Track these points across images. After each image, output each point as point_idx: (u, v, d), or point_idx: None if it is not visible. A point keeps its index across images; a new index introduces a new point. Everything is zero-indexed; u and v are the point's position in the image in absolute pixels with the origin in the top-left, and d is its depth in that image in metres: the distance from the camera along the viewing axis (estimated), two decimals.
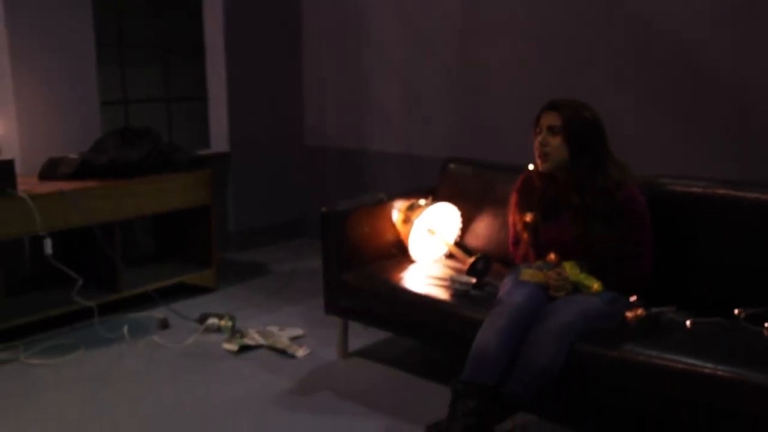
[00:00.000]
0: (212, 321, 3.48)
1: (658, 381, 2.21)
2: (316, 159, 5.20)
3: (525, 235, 2.68)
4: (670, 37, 3.42)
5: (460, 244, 3.23)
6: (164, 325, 3.53)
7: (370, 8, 4.68)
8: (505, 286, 2.60)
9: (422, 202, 3.24)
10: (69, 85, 3.89)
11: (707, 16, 3.29)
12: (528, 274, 2.56)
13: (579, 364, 2.34)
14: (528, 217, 2.66)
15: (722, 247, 2.60)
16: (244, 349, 3.26)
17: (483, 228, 3.23)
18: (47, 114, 3.82)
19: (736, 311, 2.48)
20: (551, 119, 2.52)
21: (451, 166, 3.45)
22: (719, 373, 2.12)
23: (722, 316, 2.46)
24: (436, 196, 3.34)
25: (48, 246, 3.26)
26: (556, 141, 2.51)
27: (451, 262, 3.16)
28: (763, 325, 2.37)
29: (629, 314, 2.46)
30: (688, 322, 2.44)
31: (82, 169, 3.57)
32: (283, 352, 3.23)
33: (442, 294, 2.79)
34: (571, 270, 2.51)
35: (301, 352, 3.22)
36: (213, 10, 4.69)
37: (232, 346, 3.27)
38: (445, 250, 3.24)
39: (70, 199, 3.35)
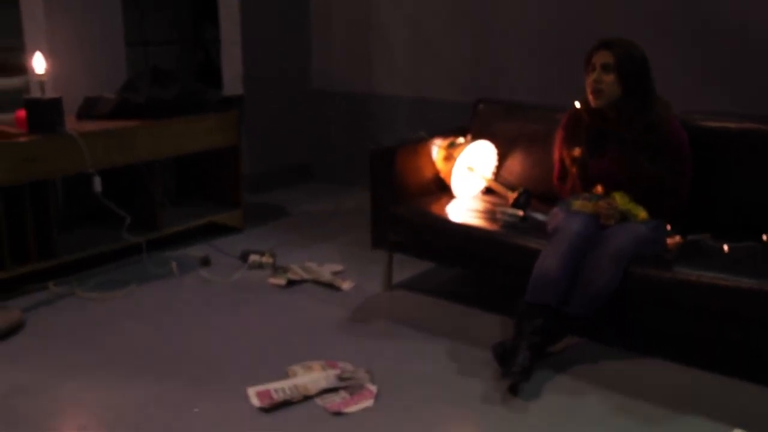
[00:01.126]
0: (254, 258, 3.61)
1: (707, 298, 2.45)
2: (323, 103, 5.28)
3: (573, 169, 2.87)
4: None
5: (497, 180, 3.41)
6: (206, 262, 3.65)
7: None
8: (557, 216, 2.80)
9: (461, 140, 3.39)
10: (98, 25, 3.90)
11: None
12: (579, 204, 2.76)
13: (633, 286, 2.57)
14: (576, 152, 2.85)
15: (751, 179, 2.84)
16: (291, 283, 3.41)
17: (516, 165, 3.41)
18: (78, 54, 3.84)
19: (764, 237, 2.73)
20: (604, 57, 2.70)
21: (482, 106, 3.61)
22: (762, 287, 2.37)
23: (752, 241, 2.71)
24: (471, 135, 3.49)
25: (98, 184, 3.32)
26: (609, 78, 2.69)
27: (490, 198, 3.34)
28: None
29: (670, 241, 2.70)
30: (725, 247, 2.68)
31: (121, 108, 3.62)
32: (328, 286, 3.39)
33: (492, 226, 2.98)
34: (621, 200, 2.72)
35: (346, 285, 3.39)
36: None
37: (280, 281, 3.42)
38: (482, 186, 3.41)
39: (118, 137, 3.41)
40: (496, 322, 2.96)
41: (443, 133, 3.48)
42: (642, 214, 2.71)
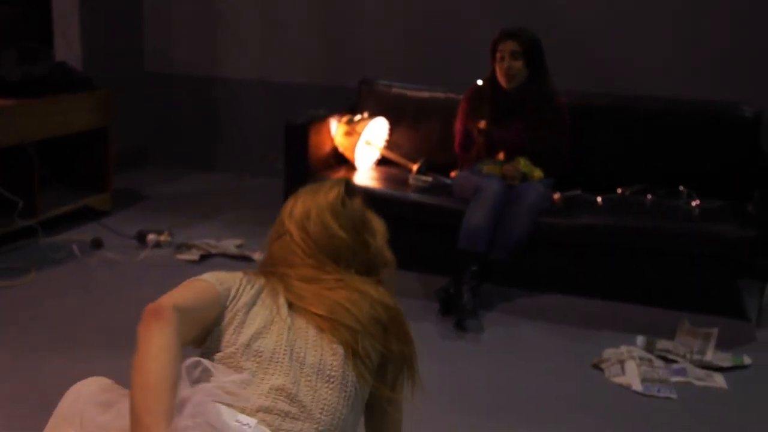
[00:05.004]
0: (152, 237, 3.57)
1: (603, 236, 3.06)
2: (162, 85, 5.19)
3: (480, 139, 3.31)
4: None
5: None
6: (98, 244, 3.52)
7: None
8: (468, 179, 3.22)
9: (358, 117, 3.68)
10: None
11: None
12: (488, 168, 3.22)
13: (542, 232, 3.09)
14: (482, 124, 3.30)
15: (609, 144, 3.51)
16: (203, 258, 3.45)
17: (404, 138, 3.79)
18: None
19: (618, 190, 3.41)
20: (512, 46, 3.17)
21: (365, 86, 3.92)
22: (641, 225, 3.03)
23: (612, 194, 3.37)
24: (361, 112, 3.79)
25: None
26: (518, 64, 3.18)
27: (386, 168, 3.68)
28: (646, 197, 3.33)
29: (555, 196, 3.27)
30: (599, 199, 3.31)
31: None
32: (239, 258, 3.48)
33: (406, 190, 3.34)
34: (524, 163, 3.22)
35: (257, 256, 3.51)
36: None
37: (191, 256, 3.44)
38: (376, 157, 3.73)
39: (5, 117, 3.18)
40: (414, 278, 3.31)
41: (330, 114, 3.71)
42: (538, 174, 3.24)
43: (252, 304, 1.41)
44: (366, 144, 3.65)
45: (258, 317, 1.38)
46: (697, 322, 2.91)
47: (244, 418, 1.20)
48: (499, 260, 3.04)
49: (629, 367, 2.55)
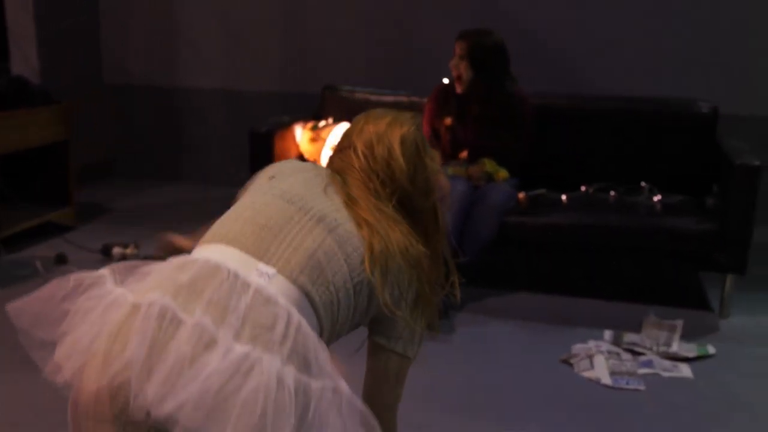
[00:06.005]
0: (118, 250, 3.53)
1: (569, 234, 3.10)
2: (123, 97, 5.14)
3: (447, 137, 3.33)
4: None
5: None
6: (62, 259, 3.48)
7: None
8: None
9: (323, 123, 3.69)
10: None
11: None
12: (453, 170, 3.25)
13: (509, 232, 3.13)
14: (448, 121, 3.33)
15: (572, 143, 3.57)
16: None
17: None
18: None
19: (582, 188, 3.46)
20: (460, 47, 3.21)
21: (329, 92, 3.93)
22: (605, 222, 3.08)
23: (575, 192, 3.43)
24: (326, 118, 3.80)
25: None
26: (463, 65, 3.21)
27: None
28: (609, 194, 3.39)
29: (521, 196, 3.31)
30: (563, 197, 3.35)
31: None
32: None
33: None
34: (489, 164, 3.26)
35: None
36: None
37: None
38: None
39: None
40: None
41: (292, 121, 3.71)
42: (503, 174, 3.28)
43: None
44: (331, 150, 3.63)
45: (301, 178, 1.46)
46: (663, 314, 2.97)
47: (263, 267, 1.27)
48: (467, 262, 3.06)
49: (598, 361, 2.60)
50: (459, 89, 3.25)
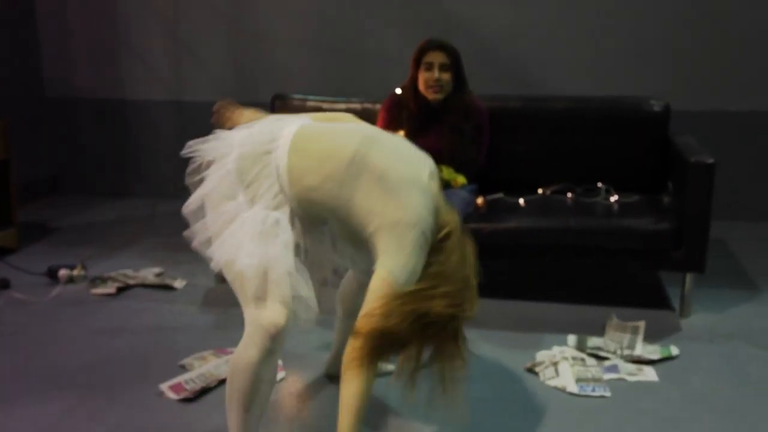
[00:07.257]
0: (65, 272, 3.39)
1: (528, 238, 3.07)
2: (65, 112, 4.97)
3: None
4: None
5: None
6: (4, 284, 3.32)
7: None
8: None
9: None
10: None
11: None
12: None
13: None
14: (401, 133, 3.25)
15: (527, 146, 3.54)
16: (120, 290, 3.29)
17: None
18: None
19: (539, 190, 3.44)
20: (441, 58, 3.14)
21: (279, 101, 3.83)
22: (563, 225, 3.06)
23: (533, 195, 3.40)
24: None
25: None
26: (446, 76, 3.14)
27: None
28: (566, 195, 3.37)
29: (479, 201, 3.27)
30: (521, 201, 3.32)
31: None
32: (160, 287, 3.34)
33: None
34: (446, 171, 3.20)
35: (178, 284, 3.38)
36: None
37: (107, 290, 3.28)
38: None
39: None
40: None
41: None
42: (461, 180, 3.23)
43: None
44: None
45: None
46: (625, 316, 2.95)
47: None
48: None
49: (563, 368, 2.56)
50: (436, 98, 3.18)
